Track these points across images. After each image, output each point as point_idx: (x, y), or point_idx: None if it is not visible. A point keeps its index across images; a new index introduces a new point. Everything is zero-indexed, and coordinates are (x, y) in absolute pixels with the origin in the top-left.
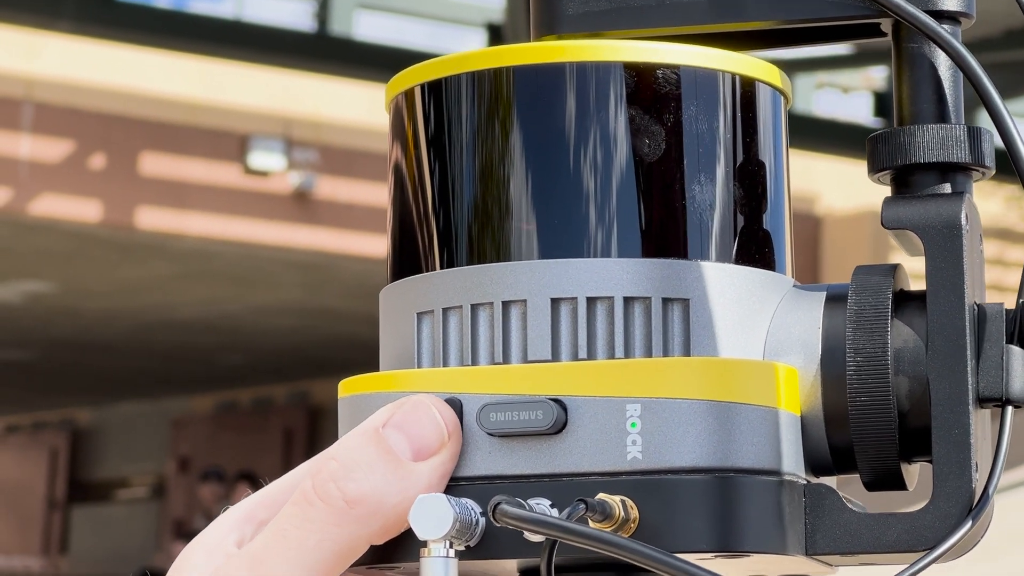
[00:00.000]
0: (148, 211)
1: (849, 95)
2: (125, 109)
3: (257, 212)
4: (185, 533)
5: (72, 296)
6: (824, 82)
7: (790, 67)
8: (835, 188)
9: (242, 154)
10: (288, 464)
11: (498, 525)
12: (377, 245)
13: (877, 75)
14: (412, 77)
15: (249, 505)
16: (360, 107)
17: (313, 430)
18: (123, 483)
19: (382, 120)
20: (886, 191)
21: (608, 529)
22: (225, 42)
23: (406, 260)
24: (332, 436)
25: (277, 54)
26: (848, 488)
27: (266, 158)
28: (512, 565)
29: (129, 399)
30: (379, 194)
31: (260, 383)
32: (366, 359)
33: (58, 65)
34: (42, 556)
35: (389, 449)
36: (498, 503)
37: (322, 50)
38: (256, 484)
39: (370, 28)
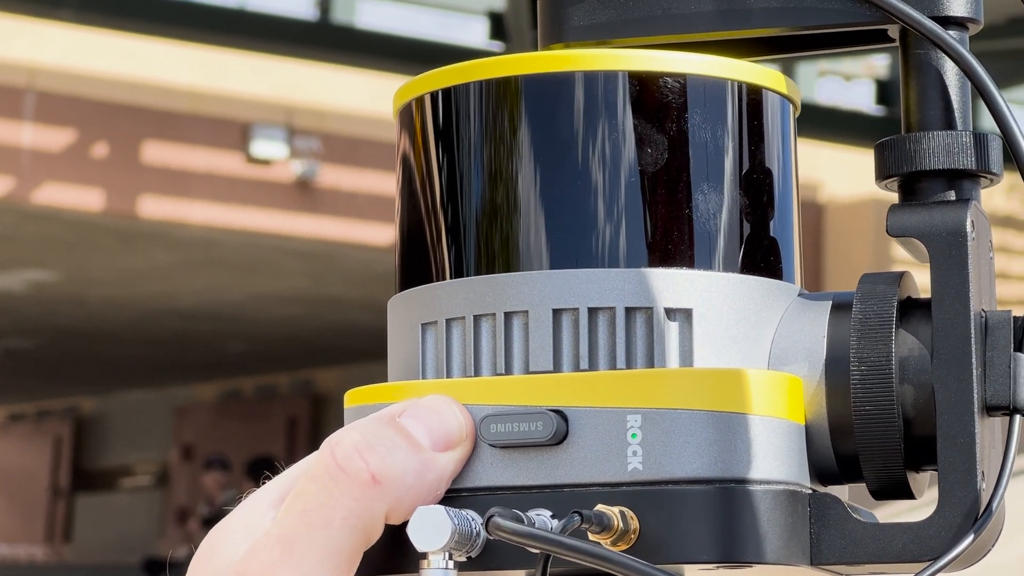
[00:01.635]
0: (151, 200)
1: (851, 83)
2: (127, 97)
3: (260, 201)
4: (189, 521)
5: (75, 284)
6: (826, 70)
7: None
8: (838, 176)
9: (244, 143)
10: (292, 451)
11: (491, 538)
12: (380, 233)
13: (879, 63)
14: (420, 86)
15: (283, 485)
16: (362, 95)
17: (317, 418)
18: (127, 471)
19: (385, 109)
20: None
21: (607, 540)
22: (228, 30)
23: (412, 270)
24: (336, 424)
25: (279, 42)
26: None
27: (268, 147)
28: (521, 573)
29: (133, 387)
30: (382, 182)
31: (263, 371)
32: (369, 347)
33: (60, 54)
34: (46, 544)
35: (409, 434)
36: (491, 515)
37: (324, 38)
38: (270, 468)
39: (372, 16)
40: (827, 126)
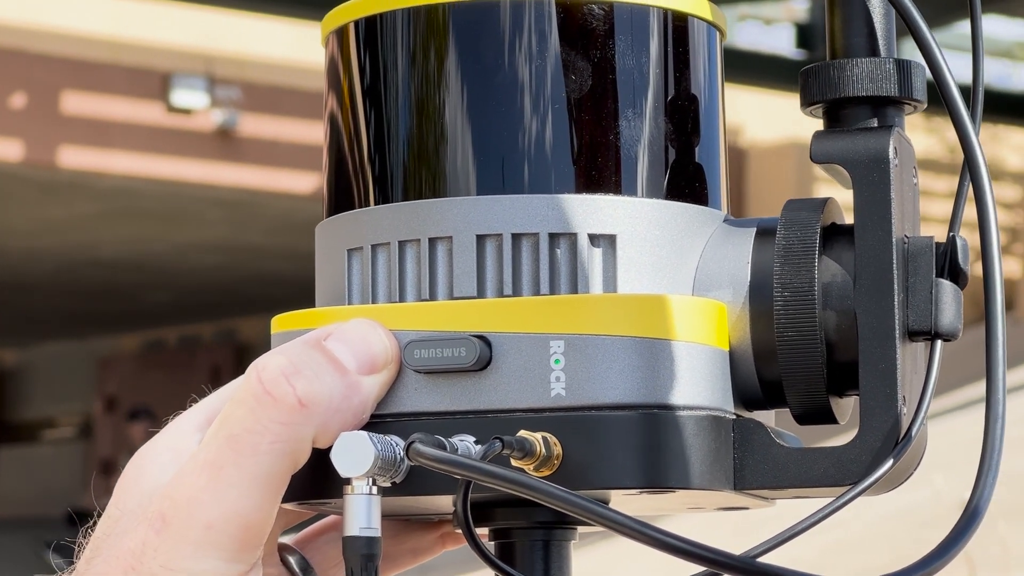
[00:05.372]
0: (71, 150)
1: (771, 27)
2: (46, 48)
3: (180, 150)
4: (112, 472)
5: None
6: (746, 14)
7: None
8: (758, 120)
9: (165, 92)
10: None
11: (411, 464)
12: (301, 181)
13: (798, 6)
14: (348, 13)
15: (209, 407)
16: (283, 44)
17: (240, 367)
18: (50, 423)
19: (305, 57)
20: (810, 123)
21: (530, 466)
22: None
23: (340, 196)
24: None
25: None
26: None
27: (189, 96)
28: (447, 500)
29: (55, 339)
30: (303, 131)
31: (186, 321)
32: (292, 295)
33: None
34: None
35: (334, 358)
36: (412, 441)
37: None
38: None
39: None
40: (747, 70)
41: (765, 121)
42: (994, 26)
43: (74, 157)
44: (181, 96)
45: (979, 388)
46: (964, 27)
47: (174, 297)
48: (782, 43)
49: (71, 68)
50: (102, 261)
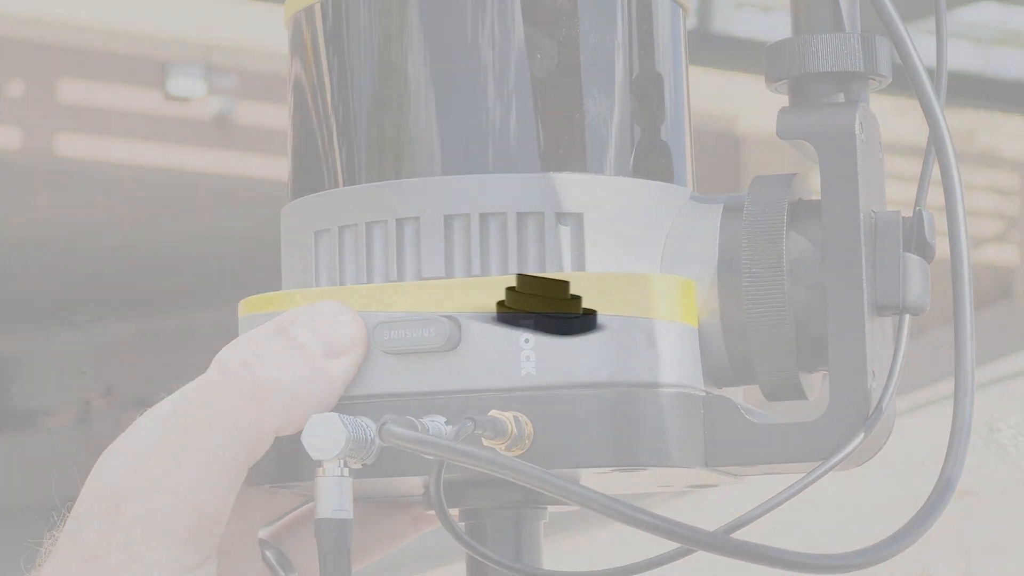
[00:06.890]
0: (68, 138)
1: (769, 14)
2: (42, 36)
3: (178, 138)
4: None
5: None
6: (744, 1)
7: None
8: (755, 107)
9: (162, 80)
10: None
11: (384, 445)
12: None
13: None
14: None
15: (177, 399)
16: (280, 31)
17: None
18: (47, 412)
19: None
20: None
21: (501, 446)
22: None
23: (306, 178)
24: None
25: None
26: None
27: (186, 84)
28: (416, 482)
29: (52, 327)
30: None
31: (185, 309)
32: None
33: None
34: None
35: (299, 344)
36: (384, 423)
37: None
38: None
39: None
40: (745, 57)
41: (762, 108)
42: (989, 13)
43: (71, 145)
44: (178, 84)
45: (980, 374)
46: (960, 14)
47: (172, 285)
48: (780, 30)
49: (68, 56)
50: (100, 249)
